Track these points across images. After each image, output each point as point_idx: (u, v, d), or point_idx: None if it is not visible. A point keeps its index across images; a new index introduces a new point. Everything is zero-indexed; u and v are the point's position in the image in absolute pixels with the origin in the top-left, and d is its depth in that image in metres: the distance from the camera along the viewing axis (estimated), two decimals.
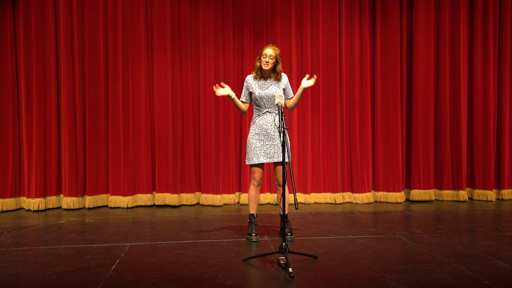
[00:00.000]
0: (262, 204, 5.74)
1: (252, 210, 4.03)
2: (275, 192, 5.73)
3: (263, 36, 5.83)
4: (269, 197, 5.79)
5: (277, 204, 5.50)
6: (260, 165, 3.94)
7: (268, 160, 3.87)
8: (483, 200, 5.99)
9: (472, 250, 3.58)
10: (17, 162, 5.63)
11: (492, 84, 6.02)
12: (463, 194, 5.94)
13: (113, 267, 3.20)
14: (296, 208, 2.98)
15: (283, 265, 3.08)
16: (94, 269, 3.17)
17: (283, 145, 3.31)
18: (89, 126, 5.61)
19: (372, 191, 5.97)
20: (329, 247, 3.68)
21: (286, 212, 3.93)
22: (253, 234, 3.92)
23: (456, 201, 5.95)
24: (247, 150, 3.97)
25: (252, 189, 4.02)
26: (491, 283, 2.81)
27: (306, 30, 5.87)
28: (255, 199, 4.03)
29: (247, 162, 3.97)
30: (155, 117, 5.74)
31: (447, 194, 6.00)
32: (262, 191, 5.78)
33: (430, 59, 5.94)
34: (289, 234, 3.91)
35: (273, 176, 4.15)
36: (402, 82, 5.98)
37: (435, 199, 6.03)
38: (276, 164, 3.96)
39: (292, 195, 5.75)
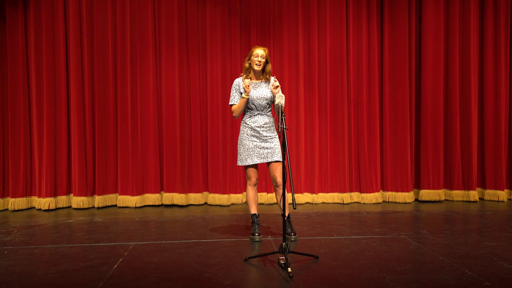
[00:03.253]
0: (269, 204, 5.75)
1: (253, 210, 4.03)
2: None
3: (270, 36, 5.84)
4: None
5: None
6: (254, 166, 3.94)
7: (261, 161, 3.86)
8: (494, 201, 5.90)
9: (477, 251, 3.53)
10: (29, 162, 5.73)
11: (503, 81, 5.93)
12: (474, 194, 5.86)
13: (115, 266, 3.24)
14: (294, 208, 2.97)
15: (283, 265, 3.08)
16: (96, 267, 3.21)
17: (283, 146, 3.30)
18: (98, 127, 5.69)
19: (381, 191, 5.93)
20: (332, 247, 3.67)
21: (287, 213, 3.99)
22: (256, 234, 3.93)
23: (466, 201, 5.88)
24: (238, 151, 3.95)
25: (250, 190, 4.01)
26: (492, 284, 2.77)
27: (313, 29, 5.86)
28: (254, 199, 4.02)
29: (240, 163, 3.95)
30: (163, 117, 5.78)
31: (457, 194, 5.93)
32: (269, 191, 5.79)
33: (440, 57, 5.87)
34: (292, 234, 3.91)
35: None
36: (410, 81, 5.92)
37: (445, 199, 5.96)
38: (269, 163, 3.93)
39: (299, 195, 5.82)
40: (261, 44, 5.79)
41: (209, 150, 5.79)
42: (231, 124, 5.80)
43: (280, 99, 3.50)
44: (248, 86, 3.81)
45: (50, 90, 5.61)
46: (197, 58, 5.83)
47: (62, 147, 5.66)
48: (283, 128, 3.31)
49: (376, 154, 5.88)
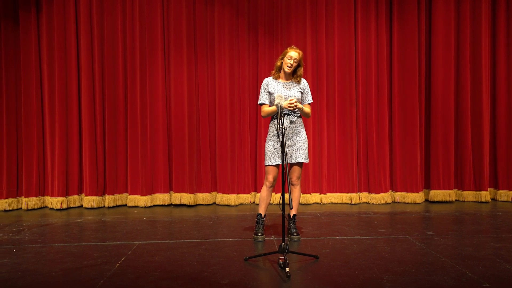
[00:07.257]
0: (277, 204, 5.75)
1: (261, 211, 4.04)
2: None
3: (278, 36, 5.85)
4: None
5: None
6: (276, 166, 3.95)
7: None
8: (506, 201, 5.80)
9: (481, 252, 3.48)
10: (41, 162, 5.86)
11: None
12: (485, 195, 5.77)
13: (118, 264, 3.30)
14: (291, 208, 2.98)
15: (282, 265, 3.09)
16: (99, 266, 3.27)
17: (282, 146, 3.30)
18: (109, 128, 5.78)
19: (390, 191, 5.88)
20: (333, 248, 3.66)
21: (292, 213, 4.00)
22: (259, 234, 3.95)
23: (478, 202, 5.79)
24: (265, 151, 3.97)
25: (264, 190, 4.02)
26: (491, 286, 2.73)
27: (321, 29, 5.85)
28: (266, 200, 4.03)
29: (265, 164, 3.97)
30: (171, 118, 5.84)
31: (468, 195, 5.84)
32: (277, 191, 5.79)
33: (450, 55, 5.80)
34: (295, 234, 3.92)
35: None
36: (420, 80, 5.86)
37: (456, 200, 5.89)
38: (291, 165, 3.96)
39: (308, 195, 5.81)
40: (269, 44, 5.82)
41: (218, 150, 5.83)
42: (239, 124, 5.83)
43: (280, 100, 3.51)
44: (291, 107, 3.72)
45: (62, 91, 5.72)
46: (205, 59, 5.87)
47: (73, 147, 5.76)
48: (282, 129, 3.31)
49: (385, 154, 5.84)
